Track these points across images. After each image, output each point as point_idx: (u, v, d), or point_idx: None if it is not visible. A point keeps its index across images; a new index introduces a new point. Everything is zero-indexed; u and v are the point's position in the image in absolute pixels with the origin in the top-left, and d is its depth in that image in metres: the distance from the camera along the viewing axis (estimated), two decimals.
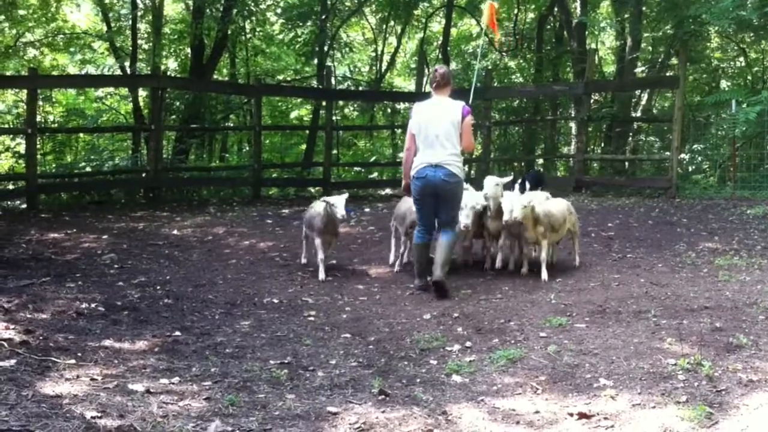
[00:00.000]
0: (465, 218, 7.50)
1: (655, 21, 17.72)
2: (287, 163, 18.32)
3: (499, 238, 8.21)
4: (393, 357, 5.36)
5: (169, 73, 18.13)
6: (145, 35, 18.54)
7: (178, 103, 17.01)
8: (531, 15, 21.90)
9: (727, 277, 7.61)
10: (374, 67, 22.88)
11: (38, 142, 13.48)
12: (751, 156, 15.07)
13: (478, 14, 19.24)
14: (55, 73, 18.90)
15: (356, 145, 21.77)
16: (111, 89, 19.29)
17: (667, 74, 17.48)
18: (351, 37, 22.43)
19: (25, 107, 12.19)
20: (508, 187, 8.07)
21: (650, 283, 7.56)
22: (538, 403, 4.42)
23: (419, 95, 16.09)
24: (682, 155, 15.10)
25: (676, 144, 13.56)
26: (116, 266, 8.18)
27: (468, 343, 5.66)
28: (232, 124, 20.02)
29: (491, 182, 7.96)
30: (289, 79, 21.72)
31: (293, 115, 21.94)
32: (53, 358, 4.75)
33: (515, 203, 7.43)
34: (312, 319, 6.40)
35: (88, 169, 15.14)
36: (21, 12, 17.79)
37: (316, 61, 19.39)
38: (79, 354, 4.94)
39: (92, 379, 4.43)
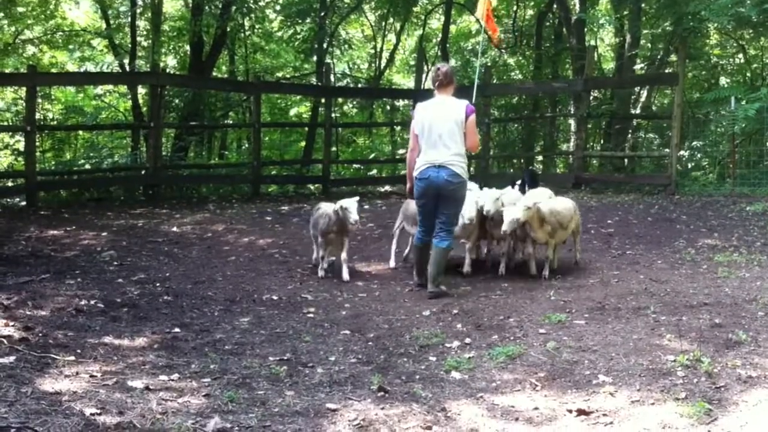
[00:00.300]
0: (468, 212, 7.37)
1: (654, 18, 17.72)
2: (286, 160, 18.32)
3: (503, 241, 7.99)
4: (392, 354, 5.36)
5: (168, 70, 18.14)
6: (144, 32, 18.50)
7: (177, 101, 16.99)
8: (530, 12, 21.91)
9: (727, 274, 7.62)
10: (373, 64, 22.87)
11: (37, 140, 13.49)
12: (750, 153, 15.08)
13: (476, 11, 19.22)
14: (54, 70, 18.88)
15: (355, 142, 21.78)
16: (110, 87, 19.24)
17: (667, 71, 17.48)
18: (350, 34, 22.42)
19: (24, 104, 12.17)
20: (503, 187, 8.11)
21: (649, 279, 7.57)
22: (537, 399, 4.42)
23: (418, 92, 16.12)
24: (682, 152, 15.11)
25: (675, 141, 13.57)
26: (115, 263, 8.17)
27: (467, 340, 5.66)
28: (231, 122, 20.01)
29: (491, 197, 7.69)
30: (288, 76, 21.70)
31: (292, 112, 21.94)
32: (53, 355, 4.75)
33: (512, 213, 7.32)
34: (311, 315, 6.40)
35: (87, 166, 15.13)
36: (20, 9, 17.76)
37: (315, 58, 19.39)
38: (79, 351, 4.94)
39: (91, 376, 4.44)
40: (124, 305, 6.34)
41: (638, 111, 18.93)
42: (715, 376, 4.61)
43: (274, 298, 6.98)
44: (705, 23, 15.12)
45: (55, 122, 17.29)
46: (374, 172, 18.57)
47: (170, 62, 19.71)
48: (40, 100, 15.24)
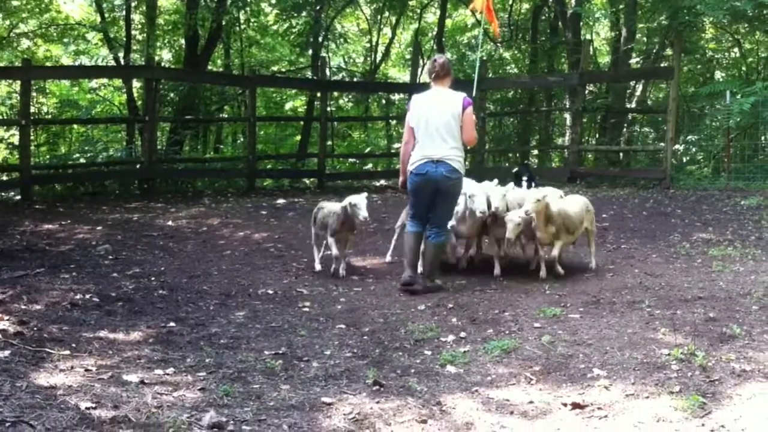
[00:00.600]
0: (479, 204, 7.12)
1: (650, 12, 17.71)
2: (282, 154, 18.28)
3: (502, 242, 7.65)
4: (387, 347, 5.37)
5: (163, 64, 18.07)
6: (139, 26, 18.44)
7: (172, 95, 16.94)
8: (526, 5, 21.86)
9: (721, 268, 7.64)
10: (369, 58, 22.82)
11: (32, 134, 13.45)
12: (745, 147, 15.09)
13: (472, 4, 19.19)
14: (48, 64, 18.80)
15: (351, 137, 21.75)
16: (105, 80, 19.22)
17: (662, 65, 17.47)
18: (345, 28, 22.34)
19: (18, 98, 12.14)
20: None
21: (644, 273, 7.58)
22: (532, 393, 4.43)
23: (414, 86, 16.08)
24: (677, 146, 15.11)
25: (670, 135, 13.57)
26: (111, 257, 8.16)
27: (462, 334, 5.67)
28: (226, 116, 19.97)
29: (498, 194, 7.43)
30: (283, 70, 21.67)
31: (288, 106, 21.90)
32: (47, 349, 4.75)
33: (514, 219, 7.06)
34: (307, 309, 6.40)
35: (82, 160, 15.10)
36: (15, 2, 17.69)
37: (310, 52, 19.35)
38: (74, 345, 4.94)
39: (86, 370, 4.44)
40: (119, 299, 6.34)
41: (633, 105, 18.94)
42: (710, 369, 4.63)
43: (270, 292, 6.98)
44: (700, 17, 15.10)
45: (50, 116, 17.26)
46: (370, 166, 18.54)
47: (165, 56, 19.65)
48: (34, 94, 15.18)
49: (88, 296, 6.31)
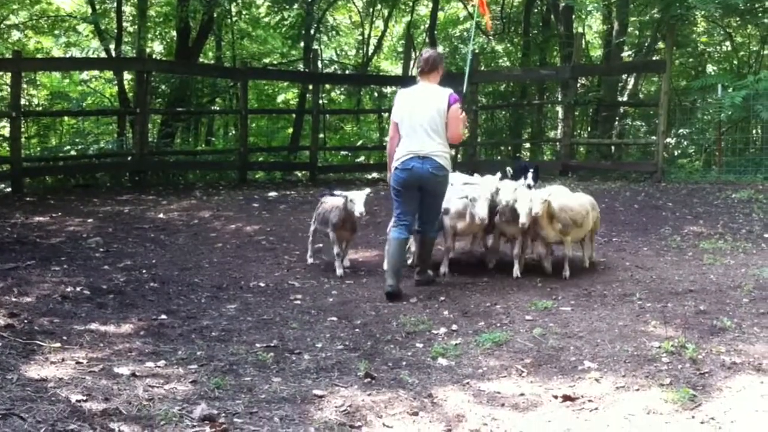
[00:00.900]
0: (480, 209, 6.80)
1: (642, 5, 17.70)
2: (274, 147, 18.25)
3: (516, 240, 7.32)
4: (379, 340, 5.38)
5: (154, 56, 18.00)
6: (131, 18, 18.36)
7: (163, 87, 16.88)
8: None
9: (712, 261, 7.67)
10: (361, 51, 22.79)
11: (23, 126, 13.39)
12: (736, 140, 15.14)
13: None
14: (39, 56, 18.73)
15: (343, 129, 21.71)
16: (96, 72, 19.14)
17: (654, 58, 17.49)
18: (338, 21, 22.28)
19: (9, 90, 12.08)
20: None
21: (635, 266, 7.61)
22: (523, 385, 4.45)
23: (406, 79, 16.06)
24: (668, 139, 15.14)
25: (662, 128, 13.59)
26: (102, 250, 8.14)
27: (454, 327, 5.68)
28: (218, 108, 19.91)
29: (509, 187, 7.12)
30: (275, 62, 21.60)
31: (280, 98, 21.85)
32: (38, 342, 4.74)
33: (534, 200, 6.76)
34: (298, 302, 6.41)
35: (73, 152, 15.03)
36: None
37: (302, 44, 19.29)
38: (65, 337, 4.93)
39: (77, 363, 4.43)
40: (110, 292, 6.33)
41: (625, 98, 18.96)
42: (700, 362, 4.65)
43: (261, 284, 6.98)
44: (692, 11, 15.13)
45: (41, 108, 17.20)
46: (362, 159, 18.52)
47: (157, 48, 19.58)
48: (25, 86, 15.14)
49: (79, 289, 6.29)
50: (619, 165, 15.34)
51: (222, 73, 17.48)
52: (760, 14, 16.46)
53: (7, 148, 13.43)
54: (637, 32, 19.14)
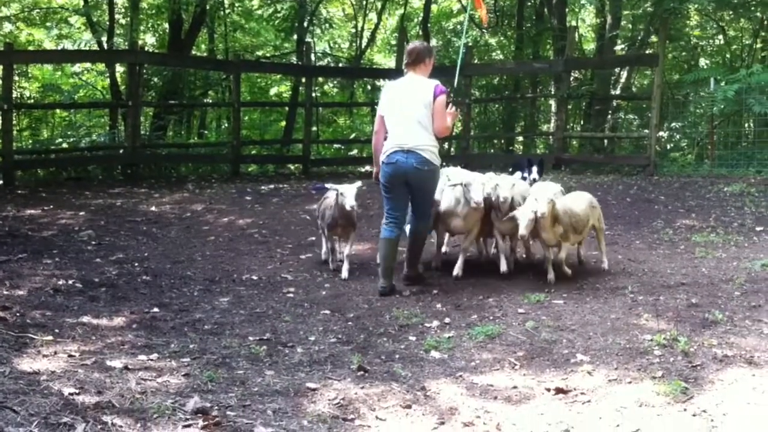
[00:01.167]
0: (476, 194, 6.46)
1: None
2: (266, 140, 18.24)
3: (514, 237, 7.06)
4: (372, 333, 5.38)
5: (146, 48, 17.93)
6: (123, 10, 18.29)
7: (156, 79, 16.84)
8: None
9: (704, 254, 7.69)
10: (354, 44, 22.75)
11: (14, 118, 13.33)
12: (728, 134, 15.17)
13: None
14: (31, 48, 18.65)
15: (336, 122, 21.69)
16: (88, 65, 19.04)
17: (647, 52, 17.51)
18: (331, 13, 22.25)
19: (0, 82, 12.02)
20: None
21: (628, 259, 7.62)
22: (516, 378, 4.45)
23: (399, 72, 16.03)
24: (661, 133, 15.16)
25: (654, 122, 13.61)
26: (94, 243, 8.13)
27: (447, 320, 5.69)
28: (210, 101, 19.86)
29: (507, 183, 6.78)
30: (268, 55, 21.55)
31: (273, 91, 21.79)
32: (30, 335, 4.73)
33: (540, 200, 6.38)
34: (291, 295, 6.40)
35: (64, 145, 14.97)
36: None
37: (295, 37, 19.26)
38: (57, 330, 4.92)
39: (70, 356, 4.42)
40: (102, 285, 6.32)
41: (618, 92, 18.98)
42: (692, 355, 4.66)
43: (254, 278, 6.97)
44: (685, 4, 15.15)
45: (33, 100, 17.12)
46: (355, 152, 18.52)
47: (149, 40, 19.51)
48: (17, 78, 15.08)
49: (71, 282, 6.29)
50: (611, 158, 15.37)
51: (214, 65, 17.42)
52: (752, 8, 16.50)
53: None
54: (630, 26, 19.15)
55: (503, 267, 6.90)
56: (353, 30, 22.90)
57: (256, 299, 6.23)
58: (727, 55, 18.77)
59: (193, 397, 3.87)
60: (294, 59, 19.94)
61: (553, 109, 17.07)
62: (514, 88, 19.68)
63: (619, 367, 4.54)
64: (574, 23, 19.11)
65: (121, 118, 15.21)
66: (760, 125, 14.49)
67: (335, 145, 18.95)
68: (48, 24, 19.13)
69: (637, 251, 8.08)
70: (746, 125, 15.90)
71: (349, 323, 5.63)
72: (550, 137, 16.51)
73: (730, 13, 17.32)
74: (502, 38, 21.37)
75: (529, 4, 20.86)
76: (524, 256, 7.73)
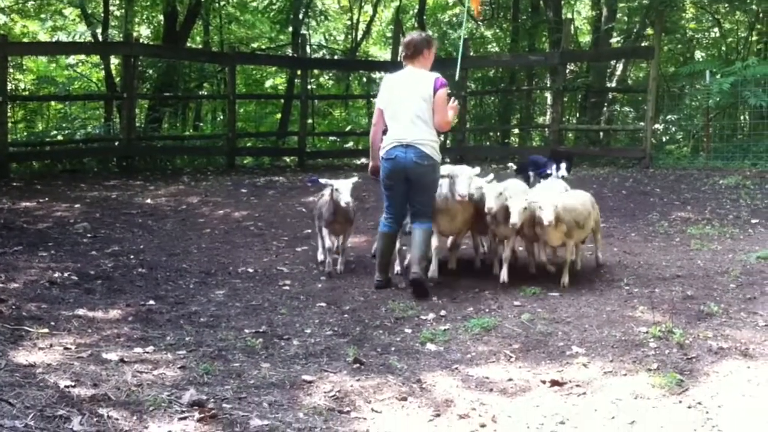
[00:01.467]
0: (461, 187, 6.19)
1: None
2: (262, 132, 18.20)
3: (507, 241, 6.59)
4: (368, 326, 5.38)
5: (141, 40, 17.90)
6: (117, 1, 18.24)
7: (151, 71, 16.80)
8: None
9: (699, 246, 7.70)
10: (350, 36, 22.70)
11: (9, 110, 13.28)
12: (724, 126, 15.18)
13: None
14: (25, 40, 18.58)
15: (331, 115, 21.66)
16: (83, 57, 18.99)
17: (643, 44, 17.49)
18: (326, 5, 22.19)
19: None
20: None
21: (623, 252, 7.64)
22: (512, 370, 4.46)
23: (395, 64, 16.02)
24: (657, 126, 15.17)
25: (650, 114, 13.62)
26: (89, 235, 8.11)
27: (443, 312, 5.69)
28: (206, 93, 19.83)
29: (494, 192, 6.29)
30: (263, 47, 21.51)
31: (268, 83, 21.74)
32: (26, 327, 4.72)
33: (546, 207, 6.06)
34: (287, 288, 6.40)
35: (59, 137, 14.96)
36: None
37: (291, 29, 19.21)
38: (53, 323, 4.91)
39: (66, 348, 4.42)
40: (98, 277, 6.31)
41: (614, 84, 18.98)
42: (687, 347, 4.67)
43: (250, 270, 6.97)
44: None
45: (27, 92, 17.06)
46: (350, 144, 18.50)
47: (144, 32, 19.43)
48: (11, 70, 15.00)
49: (66, 274, 6.28)
50: (607, 151, 15.38)
51: (210, 57, 17.38)
52: (748, 0, 16.49)
53: None
54: (625, 18, 19.13)
55: (502, 275, 6.51)
56: (349, 22, 22.84)
57: (251, 292, 6.23)
58: (723, 48, 18.77)
59: (189, 389, 3.87)
60: (289, 51, 19.90)
61: (549, 101, 17.05)
62: (510, 81, 19.66)
63: (614, 360, 4.55)
64: (569, 15, 19.09)
65: (116, 111, 15.15)
66: (755, 118, 14.49)
67: (331, 138, 18.92)
68: (42, 16, 19.04)
69: (633, 244, 8.09)
70: (741, 118, 15.92)
71: (345, 316, 5.63)
72: (546, 130, 16.53)
73: (726, 5, 17.32)
74: (497, 30, 21.34)
75: None
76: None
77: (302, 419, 3.67)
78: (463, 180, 6.24)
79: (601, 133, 17.04)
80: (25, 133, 15.46)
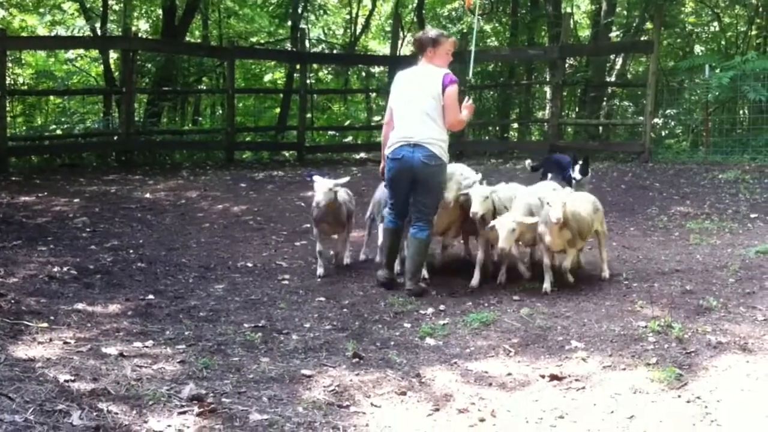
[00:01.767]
0: (448, 192, 6.09)
1: None
2: (261, 126, 18.18)
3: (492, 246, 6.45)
4: (367, 320, 5.39)
5: (140, 34, 17.85)
6: None
7: (149, 66, 16.77)
8: None
9: (698, 241, 7.71)
10: (349, 30, 22.66)
11: (8, 105, 13.26)
12: (723, 121, 15.17)
13: None
14: (24, 34, 18.53)
15: (330, 109, 21.64)
16: (81, 51, 18.96)
17: (642, 39, 17.47)
18: None
19: None
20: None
21: (622, 246, 7.64)
22: (511, 365, 4.47)
23: (394, 59, 16.03)
24: (656, 120, 15.17)
25: (649, 109, 13.60)
26: (88, 230, 8.11)
27: (442, 307, 5.70)
28: (204, 87, 19.80)
29: (479, 196, 6.11)
30: (262, 41, 21.47)
31: (267, 78, 21.73)
32: (26, 322, 4.72)
33: (554, 205, 5.78)
34: (286, 282, 6.40)
35: (58, 131, 14.95)
36: None
37: (290, 23, 19.18)
38: (52, 317, 4.92)
39: (65, 343, 4.42)
40: (97, 272, 6.31)
41: (613, 79, 18.96)
42: (686, 341, 4.68)
43: (249, 265, 6.97)
44: None
45: (26, 87, 17.03)
46: (349, 139, 18.49)
47: (142, 26, 19.39)
48: (10, 65, 14.97)
49: (65, 269, 6.27)
50: (606, 145, 15.36)
51: (209, 52, 17.34)
52: None
53: None
54: (625, 12, 19.12)
55: (500, 277, 6.40)
56: (348, 16, 22.81)
57: (251, 286, 6.23)
58: (722, 42, 18.75)
59: (188, 384, 3.87)
60: (288, 46, 19.87)
61: (548, 96, 17.03)
62: (509, 75, 19.63)
63: (613, 354, 4.55)
64: (569, 10, 19.05)
65: (115, 105, 15.12)
66: (754, 112, 14.47)
67: (330, 132, 18.91)
68: (41, 10, 18.98)
69: (632, 238, 8.10)
70: (741, 112, 15.91)
71: (345, 310, 5.63)
72: (545, 124, 16.51)
73: None
74: (497, 25, 21.30)
75: None
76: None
77: (301, 413, 3.68)
78: (451, 185, 6.13)
79: (601, 128, 17.03)
80: (24, 128, 15.42)
